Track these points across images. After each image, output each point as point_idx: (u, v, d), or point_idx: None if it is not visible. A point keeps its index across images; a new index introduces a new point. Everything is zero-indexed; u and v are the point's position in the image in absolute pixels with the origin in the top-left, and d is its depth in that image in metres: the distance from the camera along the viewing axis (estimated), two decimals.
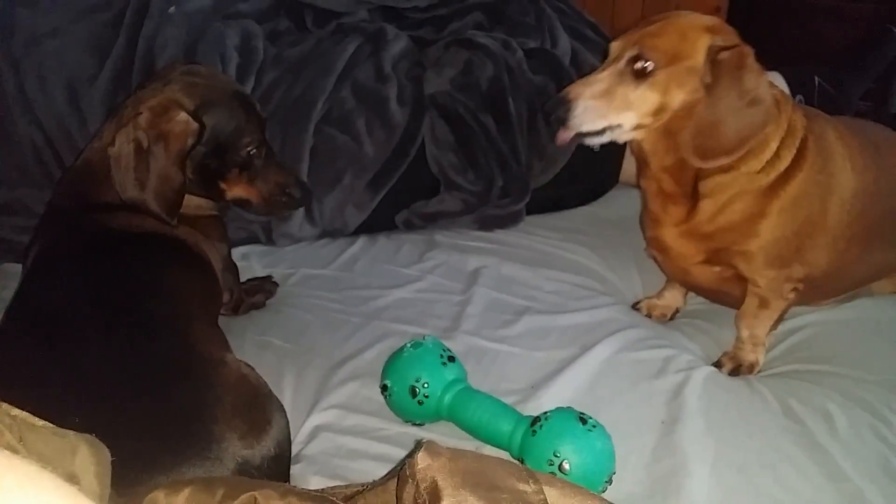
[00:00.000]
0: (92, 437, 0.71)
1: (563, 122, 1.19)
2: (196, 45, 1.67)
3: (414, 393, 1.13)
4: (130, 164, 1.19)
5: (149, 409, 0.96)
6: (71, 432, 0.70)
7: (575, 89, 1.20)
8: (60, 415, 0.72)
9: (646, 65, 1.16)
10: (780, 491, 1.03)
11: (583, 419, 1.03)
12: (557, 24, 2.01)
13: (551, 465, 0.99)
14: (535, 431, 1.03)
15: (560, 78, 1.81)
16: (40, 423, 0.68)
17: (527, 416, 1.08)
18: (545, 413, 1.05)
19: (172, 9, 1.69)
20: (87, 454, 0.69)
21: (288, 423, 1.05)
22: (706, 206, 1.26)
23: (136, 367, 1.01)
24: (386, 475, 0.91)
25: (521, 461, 1.03)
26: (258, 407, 1.01)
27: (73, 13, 1.71)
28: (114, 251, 1.19)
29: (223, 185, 1.32)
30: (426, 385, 1.13)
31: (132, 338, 1.05)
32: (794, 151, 1.22)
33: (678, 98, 1.18)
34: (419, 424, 1.17)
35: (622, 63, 1.18)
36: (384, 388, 1.17)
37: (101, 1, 1.75)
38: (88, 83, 1.64)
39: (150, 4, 1.69)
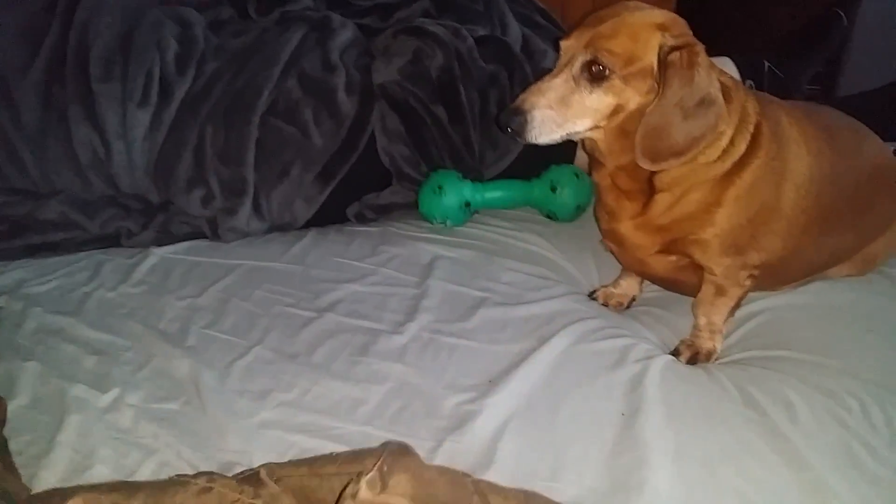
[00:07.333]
0: None
1: (519, 134, 1.17)
2: (132, 33, 1.61)
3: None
4: None
5: None
6: None
7: (530, 98, 1.16)
8: None
9: (601, 69, 1.13)
10: (743, 482, 1.01)
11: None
12: (507, 11, 1.99)
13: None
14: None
15: (511, 66, 1.78)
16: None
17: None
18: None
19: None
20: None
21: None
22: (662, 200, 1.24)
23: None
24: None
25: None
26: None
27: (3, 1, 1.63)
28: None
29: None
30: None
31: None
32: (749, 138, 1.21)
33: (634, 100, 1.15)
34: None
35: (576, 68, 1.15)
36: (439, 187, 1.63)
37: None
38: (21, 73, 1.57)
39: None
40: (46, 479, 1.00)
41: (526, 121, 1.16)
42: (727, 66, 1.93)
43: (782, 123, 1.26)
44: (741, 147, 1.21)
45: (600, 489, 1.01)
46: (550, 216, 1.73)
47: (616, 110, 1.16)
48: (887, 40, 2.61)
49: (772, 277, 1.36)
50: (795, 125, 1.28)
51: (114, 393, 1.17)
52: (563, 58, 1.18)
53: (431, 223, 1.69)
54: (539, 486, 0.99)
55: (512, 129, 1.17)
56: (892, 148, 1.52)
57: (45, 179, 1.60)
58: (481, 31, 1.87)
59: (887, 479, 1.03)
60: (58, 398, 1.15)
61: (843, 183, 1.33)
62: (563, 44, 1.18)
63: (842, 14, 2.22)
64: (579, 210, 1.72)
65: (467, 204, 1.66)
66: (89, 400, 1.15)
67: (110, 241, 1.62)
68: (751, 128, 1.21)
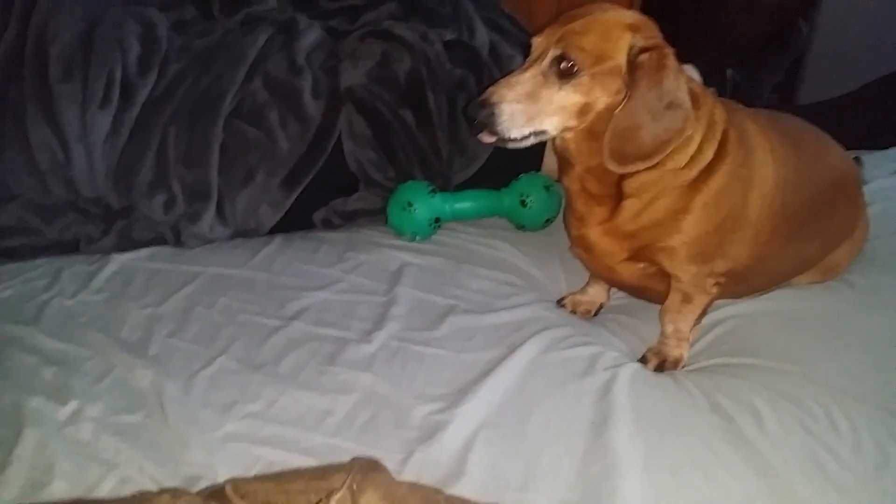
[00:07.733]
0: None
1: (486, 126, 1.14)
2: (92, 33, 1.57)
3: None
4: None
5: None
6: None
7: (498, 91, 1.14)
8: None
9: (570, 65, 1.12)
10: (711, 490, 1.02)
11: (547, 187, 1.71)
12: (475, 16, 1.98)
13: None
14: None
15: (479, 70, 1.78)
16: None
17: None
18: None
19: None
20: None
21: None
22: (630, 205, 1.24)
23: None
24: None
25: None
26: None
27: None
28: None
29: None
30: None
31: None
32: (716, 145, 1.22)
33: (602, 100, 1.15)
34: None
35: (546, 63, 1.14)
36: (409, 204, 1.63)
37: None
38: None
39: None
40: (2, 496, 0.97)
41: (493, 113, 1.13)
42: (691, 72, 1.94)
43: (749, 131, 1.27)
44: (709, 154, 1.21)
45: (571, 499, 1.01)
46: (520, 227, 1.73)
47: (584, 109, 1.16)
48: (846, 50, 2.66)
49: (738, 285, 1.37)
50: (761, 133, 1.28)
51: (73, 405, 1.13)
52: (534, 53, 1.17)
53: (400, 236, 1.68)
54: (510, 497, 0.99)
55: (479, 122, 1.14)
56: (853, 156, 1.55)
57: (2, 183, 1.55)
58: (449, 36, 1.86)
59: (852, 485, 1.04)
60: (14, 411, 1.11)
61: (808, 191, 1.34)
62: (535, 40, 1.17)
63: (802, 23, 2.26)
64: (548, 223, 1.73)
65: (437, 220, 1.66)
66: (47, 412, 1.11)
67: (69, 247, 1.58)
68: (718, 134, 1.22)
